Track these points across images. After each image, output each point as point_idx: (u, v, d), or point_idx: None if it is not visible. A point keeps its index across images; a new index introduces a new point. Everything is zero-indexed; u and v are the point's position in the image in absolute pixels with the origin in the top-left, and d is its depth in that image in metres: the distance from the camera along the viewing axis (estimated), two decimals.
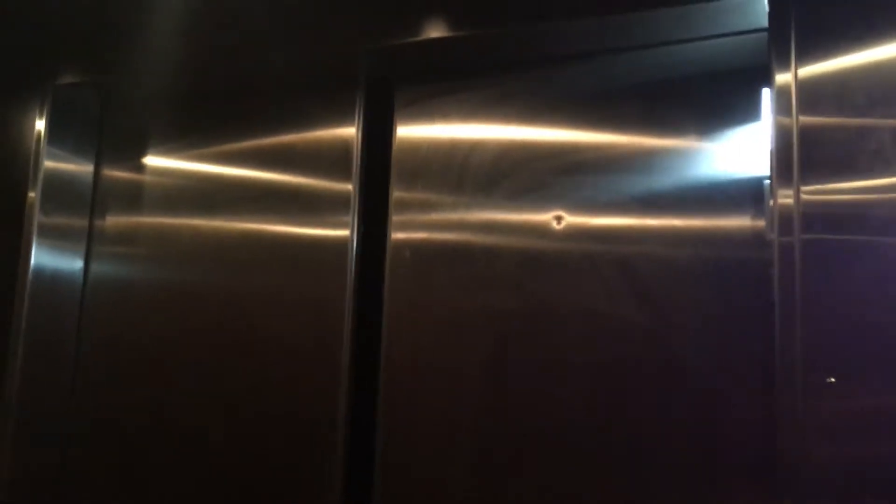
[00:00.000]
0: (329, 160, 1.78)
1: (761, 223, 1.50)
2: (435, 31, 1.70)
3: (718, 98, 1.57)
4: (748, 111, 1.53)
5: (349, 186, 1.75)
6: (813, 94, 1.40)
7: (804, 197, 1.38)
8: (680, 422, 1.51)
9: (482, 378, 1.66)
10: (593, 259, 1.61)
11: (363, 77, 1.80)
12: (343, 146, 1.77)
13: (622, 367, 1.56)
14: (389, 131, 1.83)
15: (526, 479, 1.59)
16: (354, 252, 1.73)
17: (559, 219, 1.63)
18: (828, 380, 1.35)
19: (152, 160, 2.01)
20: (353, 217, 1.74)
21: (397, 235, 1.78)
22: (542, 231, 1.66)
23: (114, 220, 2.02)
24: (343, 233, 1.74)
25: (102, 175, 2.07)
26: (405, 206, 1.79)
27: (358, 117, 1.78)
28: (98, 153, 2.07)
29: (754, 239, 1.50)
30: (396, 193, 1.80)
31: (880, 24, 1.37)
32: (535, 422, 1.60)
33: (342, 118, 1.79)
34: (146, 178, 2.00)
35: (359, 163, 1.76)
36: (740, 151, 1.55)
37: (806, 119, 1.40)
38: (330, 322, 1.71)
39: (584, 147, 1.66)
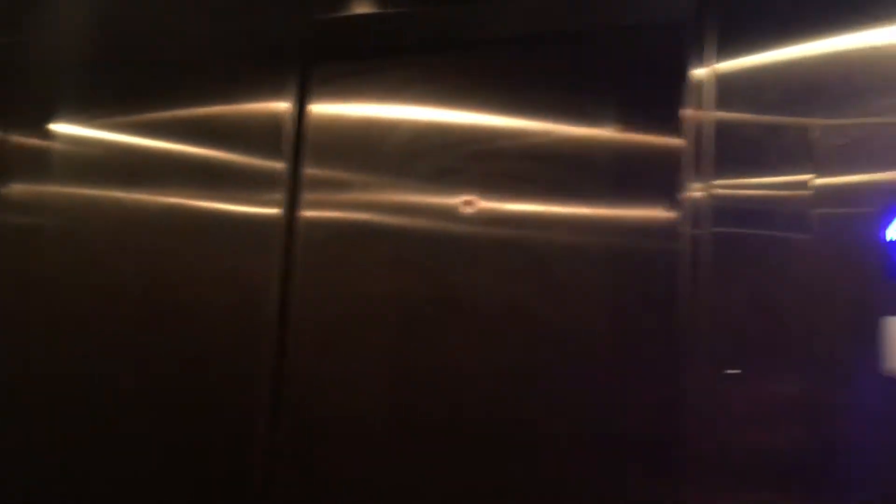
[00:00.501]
0: (259, 135, 1.73)
1: (674, 215, 1.50)
2: (359, 8, 1.67)
3: (638, 89, 1.56)
4: (666, 104, 1.53)
5: (280, 164, 1.70)
6: (729, 90, 1.41)
7: (716, 191, 1.39)
8: (585, 409, 1.50)
9: (385, 361, 1.62)
10: (501, 245, 1.58)
11: (298, 51, 1.76)
12: (274, 121, 1.72)
13: (528, 352, 1.54)
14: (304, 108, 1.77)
15: (427, 463, 1.56)
16: (285, 229, 1.69)
17: (469, 203, 1.61)
18: (729, 371, 1.36)
19: (63, 128, 1.91)
20: (285, 194, 1.70)
21: (307, 213, 1.73)
22: (450, 215, 1.63)
23: (17, 189, 1.92)
24: (274, 210, 1.70)
25: (3, 141, 1.96)
26: (316, 184, 1.73)
27: (291, 92, 1.73)
28: None
29: (667, 231, 1.50)
30: (308, 171, 1.74)
31: (797, 25, 1.39)
32: (438, 406, 1.57)
33: (274, 93, 1.74)
34: (56, 145, 1.90)
35: (293, 139, 1.71)
36: (656, 143, 1.55)
37: (722, 114, 1.41)
38: (257, 298, 1.67)
39: (499, 133, 1.63)
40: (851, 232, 1.32)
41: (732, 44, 1.41)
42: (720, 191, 1.39)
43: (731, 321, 1.36)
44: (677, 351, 1.38)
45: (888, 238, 1.31)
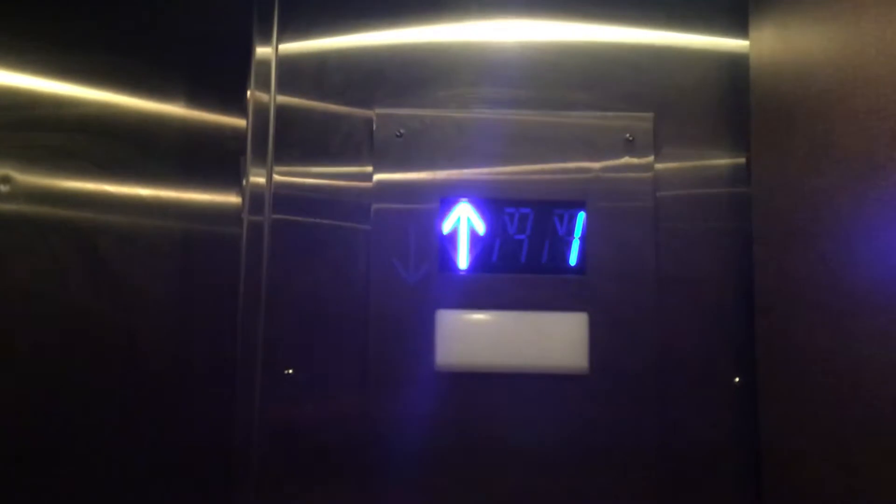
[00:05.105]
0: None
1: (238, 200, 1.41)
2: None
3: (208, 64, 1.42)
4: (234, 82, 1.41)
5: None
6: (292, 72, 1.35)
7: (277, 177, 1.32)
8: (143, 415, 1.35)
9: None
10: (45, 228, 1.37)
11: None
12: None
13: (74, 350, 1.35)
14: None
15: None
16: None
17: (6, 180, 1.37)
18: (286, 371, 1.29)
19: None
20: None
21: None
22: None
23: None
24: None
25: None
26: None
27: None
28: None
29: (231, 217, 1.39)
30: None
31: (360, 8, 1.36)
32: None
33: None
34: None
35: None
36: (222, 124, 1.43)
37: (283, 98, 1.34)
38: None
39: (43, 100, 1.41)
40: (409, 224, 1.32)
41: (296, 23, 1.35)
42: (280, 177, 1.32)
43: (286, 316, 1.30)
44: (235, 350, 1.29)
45: (444, 232, 1.33)
